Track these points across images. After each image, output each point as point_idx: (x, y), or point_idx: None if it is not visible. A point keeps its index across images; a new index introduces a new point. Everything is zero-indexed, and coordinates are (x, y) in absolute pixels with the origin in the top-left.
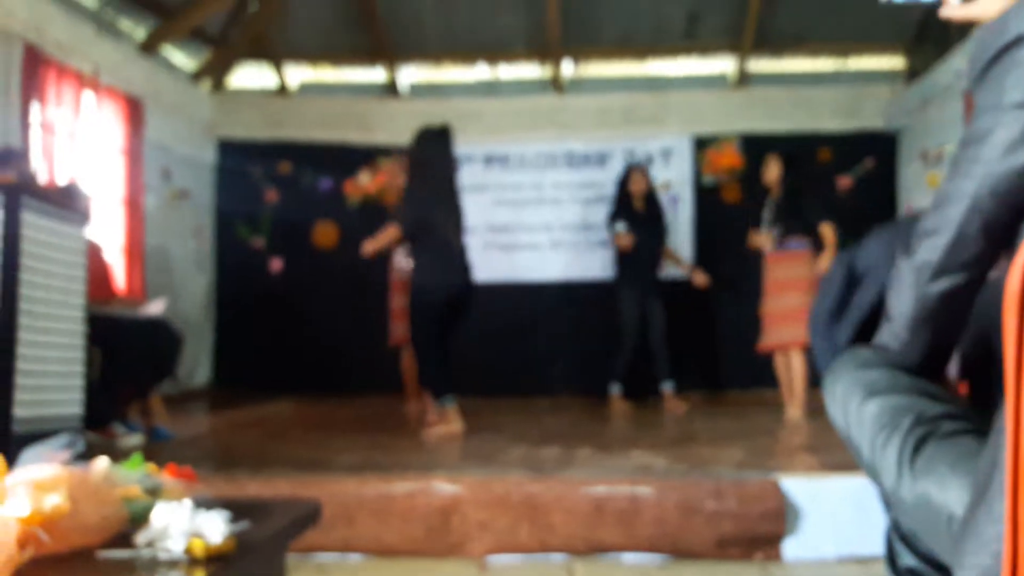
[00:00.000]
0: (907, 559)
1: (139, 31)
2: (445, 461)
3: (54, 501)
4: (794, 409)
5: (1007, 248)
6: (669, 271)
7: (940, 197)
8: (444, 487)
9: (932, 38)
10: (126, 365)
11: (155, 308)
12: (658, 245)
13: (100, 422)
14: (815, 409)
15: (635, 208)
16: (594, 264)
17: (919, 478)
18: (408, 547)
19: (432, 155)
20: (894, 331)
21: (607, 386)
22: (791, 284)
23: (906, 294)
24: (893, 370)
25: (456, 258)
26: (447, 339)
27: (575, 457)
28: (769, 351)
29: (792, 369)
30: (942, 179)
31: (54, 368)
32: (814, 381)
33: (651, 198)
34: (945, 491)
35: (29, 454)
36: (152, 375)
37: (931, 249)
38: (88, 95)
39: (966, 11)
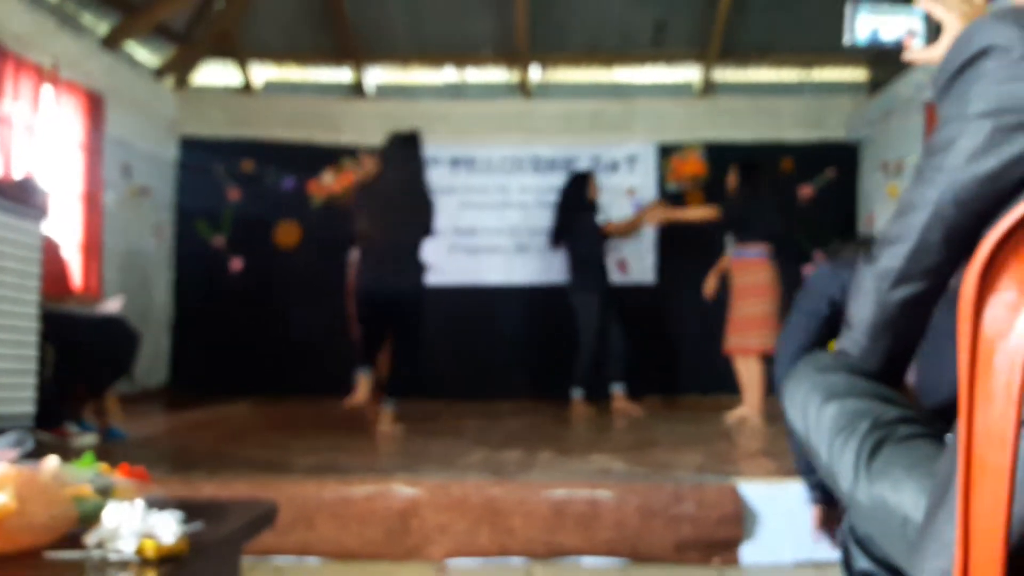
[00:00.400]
0: (862, 562)
1: (102, 26)
2: (405, 464)
3: (0, 500)
4: (746, 410)
5: (969, 256)
6: (631, 277)
7: (903, 205)
8: (403, 490)
9: (895, 53)
10: (81, 363)
11: (112, 306)
12: (605, 250)
13: (53, 421)
14: (772, 415)
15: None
16: (559, 268)
17: (875, 481)
18: (367, 550)
19: (388, 159)
20: (854, 338)
21: (569, 389)
22: (751, 290)
23: (867, 301)
24: (852, 374)
25: (390, 262)
26: (383, 340)
27: (536, 460)
28: (730, 355)
29: (749, 373)
30: (905, 188)
31: (5, 365)
32: (770, 389)
33: (595, 204)
34: (900, 494)
35: None
36: (107, 374)
37: (893, 256)
38: (47, 89)
39: (928, 54)
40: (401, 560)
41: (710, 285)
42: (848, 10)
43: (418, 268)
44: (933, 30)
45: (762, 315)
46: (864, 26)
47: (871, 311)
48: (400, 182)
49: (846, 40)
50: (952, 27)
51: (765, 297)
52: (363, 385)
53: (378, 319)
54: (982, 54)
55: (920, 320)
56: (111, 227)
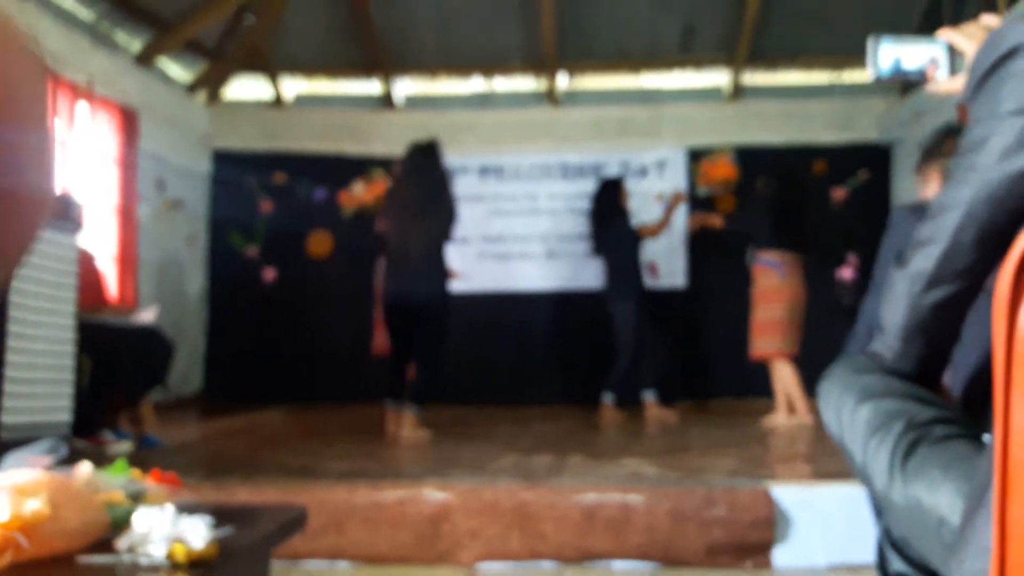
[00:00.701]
0: (897, 565)
1: (135, 43)
2: (436, 469)
3: (34, 506)
4: (778, 415)
5: (1003, 257)
6: (661, 281)
7: (936, 207)
8: (434, 495)
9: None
10: (116, 373)
11: (147, 316)
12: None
13: (90, 429)
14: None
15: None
16: (588, 274)
17: (910, 482)
18: (398, 555)
19: (408, 169)
20: (887, 342)
21: (599, 394)
22: (769, 296)
23: (899, 304)
24: (886, 375)
25: (408, 269)
26: (410, 348)
27: (566, 465)
28: (754, 360)
29: (777, 379)
30: (939, 191)
31: (43, 375)
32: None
33: (626, 211)
34: (936, 495)
35: (12, 459)
36: (142, 383)
37: (925, 258)
38: (82, 105)
39: (951, 85)
40: (432, 565)
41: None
42: (870, 44)
43: (441, 274)
44: (957, 61)
45: (777, 320)
46: (886, 57)
47: (903, 314)
48: (419, 190)
49: (870, 74)
50: (972, 55)
51: (782, 302)
52: (392, 418)
53: (402, 326)
54: (1012, 53)
55: (954, 322)
56: (145, 239)
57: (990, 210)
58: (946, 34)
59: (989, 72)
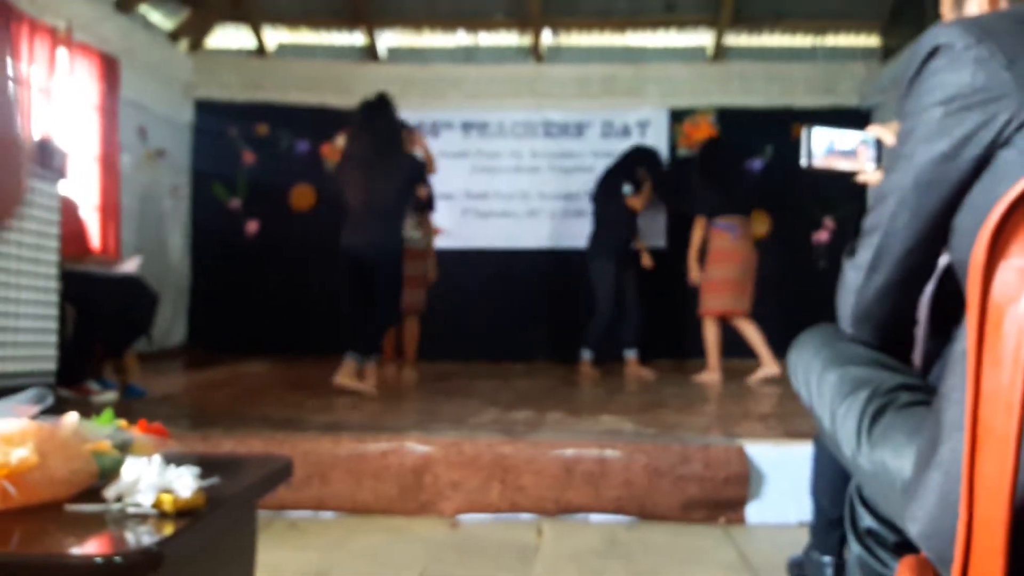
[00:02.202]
0: (867, 521)
1: None
2: (418, 422)
3: (21, 454)
4: (707, 373)
5: (940, 242)
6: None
7: (875, 198)
8: (417, 447)
9: (907, 18)
10: (100, 322)
11: (130, 266)
12: (636, 218)
13: (75, 378)
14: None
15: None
16: (570, 233)
17: (876, 447)
18: (381, 505)
19: (359, 125)
20: (841, 327)
21: (578, 351)
22: (712, 257)
23: (848, 292)
24: (853, 343)
25: (363, 221)
26: (368, 299)
27: (545, 420)
28: (707, 316)
29: (704, 335)
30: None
31: (27, 324)
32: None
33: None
34: (901, 459)
35: None
36: (126, 332)
37: (867, 247)
38: (62, 52)
39: (877, 176)
40: (414, 515)
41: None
42: (803, 134)
43: (396, 230)
44: (884, 154)
45: (732, 279)
46: (820, 141)
47: (852, 302)
48: (371, 146)
49: (803, 163)
50: None
51: (737, 262)
52: (347, 367)
53: (359, 280)
54: (931, 55)
55: (900, 307)
56: (128, 189)
57: (918, 194)
58: (875, 130)
59: (915, 75)
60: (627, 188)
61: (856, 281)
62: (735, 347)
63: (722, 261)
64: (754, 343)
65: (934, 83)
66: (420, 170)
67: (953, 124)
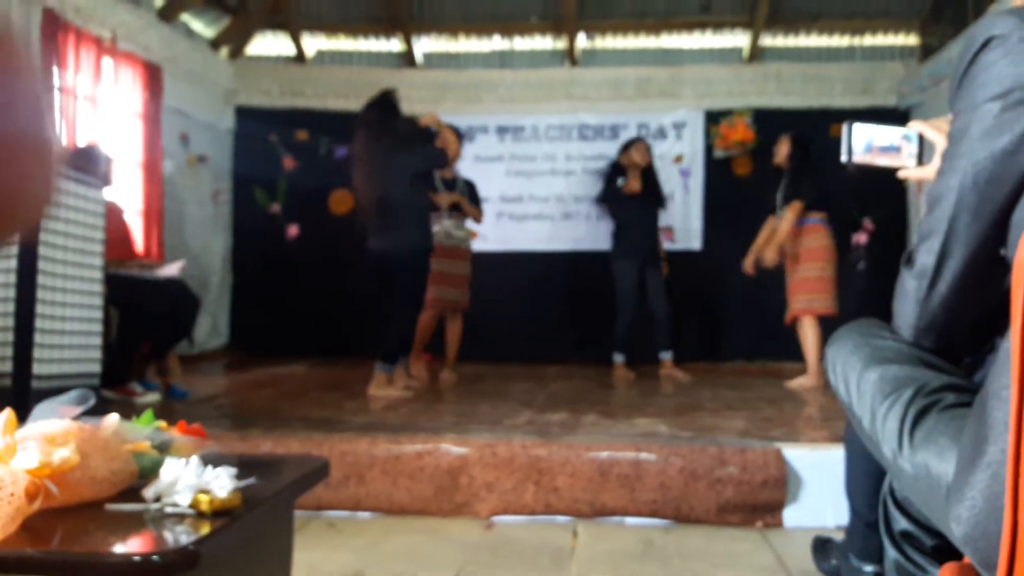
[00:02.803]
0: (902, 523)
1: None
2: (454, 424)
3: (63, 454)
4: (806, 378)
5: (1000, 238)
6: (677, 244)
7: (930, 200)
8: (452, 449)
9: (947, 16)
10: (143, 324)
11: (173, 269)
12: (655, 218)
13: (118, 380)
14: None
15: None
16: (604, 235)
17: (919, 449)
18: (416, 506)
19: (362, 126)
20: (901, 337)
21: (611, 354)
22: (808, 255)
23: (909, 303)
24: (897, 341)
25: (379, 224)
26: (390, 303)
27: (581, 422)
28: (796, 319)
29: (804, 338)
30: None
31: (72, 327)
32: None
33: (650, 172)
34: (945, 463)
35: (41, 409)
36: (169, 335)
37: (928, 252)
38: (107, 61)
39: (920, 172)
40: (449, 516)
41: (750, 261)
42: (844, 130)
43: (415, 229)
44: (926, 150)
45: (816, 277)
46: (860, 138)
47: (914, 312)
48: (375, 146)
49: (843, 159)
50: (942, 146)
51: (822, 260)
52: (377, 379)
53: (380, 283)
54: (985, 45)
55: (966, 313)
56: (170, 194)
57: (978, 193)
58: (916, 125)
59: (966, 69)
60: (620, 181)
61: (918, 290)
62: (768, 349)
63: (818, 259)
64: (807, 348)
65: (989, 76)
66: (430, 159)
67: (1013, 119)
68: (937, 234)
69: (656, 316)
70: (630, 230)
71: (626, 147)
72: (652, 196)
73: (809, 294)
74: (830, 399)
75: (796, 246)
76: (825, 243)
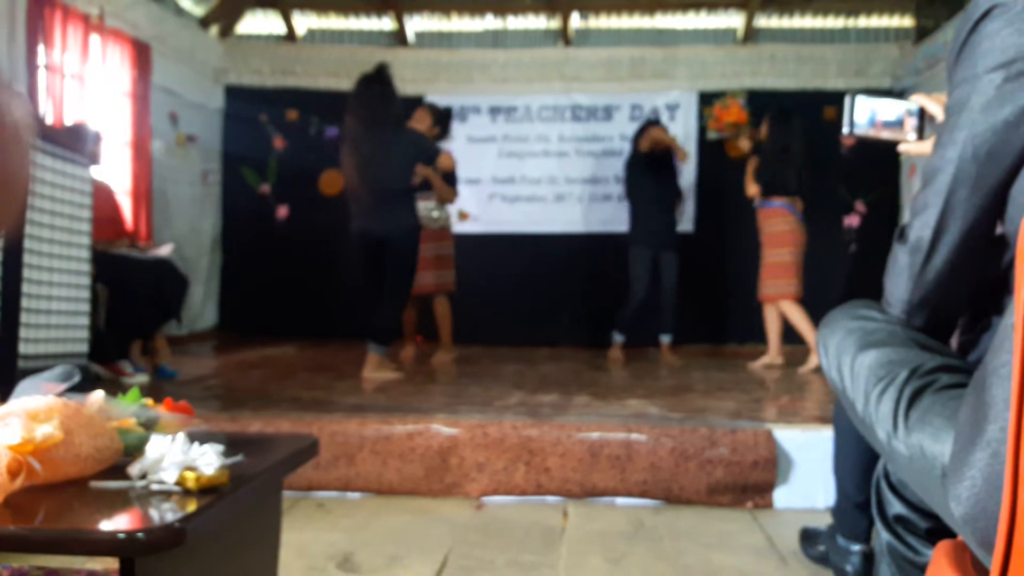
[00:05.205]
0: (896, 507)
1: None
2: (444, 404)
3: (46, 430)
4: (767, 357)
5: (998, 213)
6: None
7: (926, 173)
8: (443, 429)
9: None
10: (132, 304)
11: (162, 251)
12: (673, 205)
13: (106, 360)
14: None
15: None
16: (597, 217)
17: (914, 430)
18: (407, 486)
19: (353, 101)
20: (892, 313)
21: (608, 334)
22: (771, 239)
23: (902, 278)
24: (889, 322)
25: (367, 203)
26: (380, 285)
27: (572, 403)
28: (762, 303)
29: (775, 320)
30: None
31: (60, 305)
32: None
33: (668, 154)
34: (940, 443)
35: (25, 385)
36: (157, 314)
37: (923, 226)
38: (94, 38)
39: (920, 147)
40: (440, 496)
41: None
42: (847, 103)
43: (403, 210)
44: (927, 124)
45: (787, 263)
46: (862, 111)
47: (907, 288)
48: (364, 122)
49: (845, 131)
50: (942, 120)
51: (791, 245)
52: (371, 361)
53: (368, 264)
54: (986, 14)
55: (961, 290)
56: (159, 174)
57: (978, 166)
58: (919, 99)
59: (967, 37)
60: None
61: (912, 265)
62: (760, 332)
63: (781, 244)
64: (772, 329)
65: (990, 46)
66: (423, 148)
67: (1016, 89)
68: (933, 207)
69: (661, 300)
70: (647, 217)
71: (642, 129)
72: (670, 183)
73: (773, 279)
74: (819, 381)
75: (762, 230)
76: (789, 228)
